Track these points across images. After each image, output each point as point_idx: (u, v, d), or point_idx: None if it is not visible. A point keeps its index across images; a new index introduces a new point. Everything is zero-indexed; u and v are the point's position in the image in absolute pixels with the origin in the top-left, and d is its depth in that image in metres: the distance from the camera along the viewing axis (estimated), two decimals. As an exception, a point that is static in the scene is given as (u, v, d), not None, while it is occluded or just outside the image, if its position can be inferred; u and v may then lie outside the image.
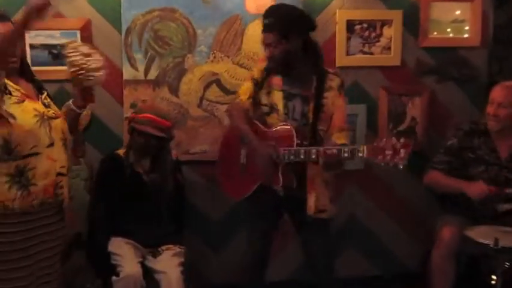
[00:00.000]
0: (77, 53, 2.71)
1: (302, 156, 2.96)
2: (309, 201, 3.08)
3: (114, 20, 3.79)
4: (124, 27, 3.80)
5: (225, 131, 3.54)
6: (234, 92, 3.74)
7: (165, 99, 3.94)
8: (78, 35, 3.76)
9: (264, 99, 3.16)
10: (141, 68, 3.86)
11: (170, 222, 3.61)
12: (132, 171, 3.49)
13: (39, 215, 2.73)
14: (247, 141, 3.13)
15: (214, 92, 3.98)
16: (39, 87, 2.86)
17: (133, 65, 3.86)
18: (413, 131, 4.25)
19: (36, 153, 2.65)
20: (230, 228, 4.09)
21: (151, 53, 3.88)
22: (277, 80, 3.15)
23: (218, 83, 3.97)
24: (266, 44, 3.05)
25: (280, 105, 3.12)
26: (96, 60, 2.73)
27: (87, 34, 3.76)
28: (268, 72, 3.15)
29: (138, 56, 3.85)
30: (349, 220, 4.24)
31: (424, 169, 3.75)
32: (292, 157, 2.99)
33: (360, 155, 2.84)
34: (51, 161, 2.71)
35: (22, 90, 2.70)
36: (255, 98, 3.19)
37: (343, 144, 2.96)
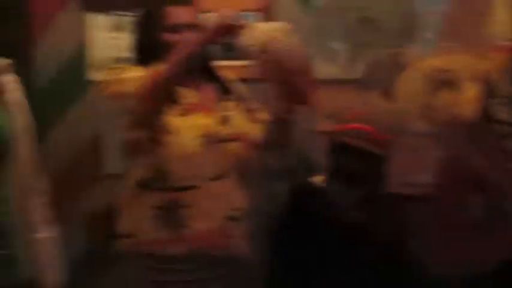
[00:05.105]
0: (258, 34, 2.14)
1: None
2: None
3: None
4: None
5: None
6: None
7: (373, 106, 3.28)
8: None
9: None
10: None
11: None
12: (330, 209, 2.68)
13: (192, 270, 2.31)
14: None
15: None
16: (225, 90, 2.39)
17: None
18: None
19: (193, 187, 2.27)
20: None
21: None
22: None
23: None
24: None
25: None
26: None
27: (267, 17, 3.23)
28: None
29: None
30: None
31: None
32: None
33: None
34: (215, 200, 2.30)
35: (191, 97, 2.29)
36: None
37: None
